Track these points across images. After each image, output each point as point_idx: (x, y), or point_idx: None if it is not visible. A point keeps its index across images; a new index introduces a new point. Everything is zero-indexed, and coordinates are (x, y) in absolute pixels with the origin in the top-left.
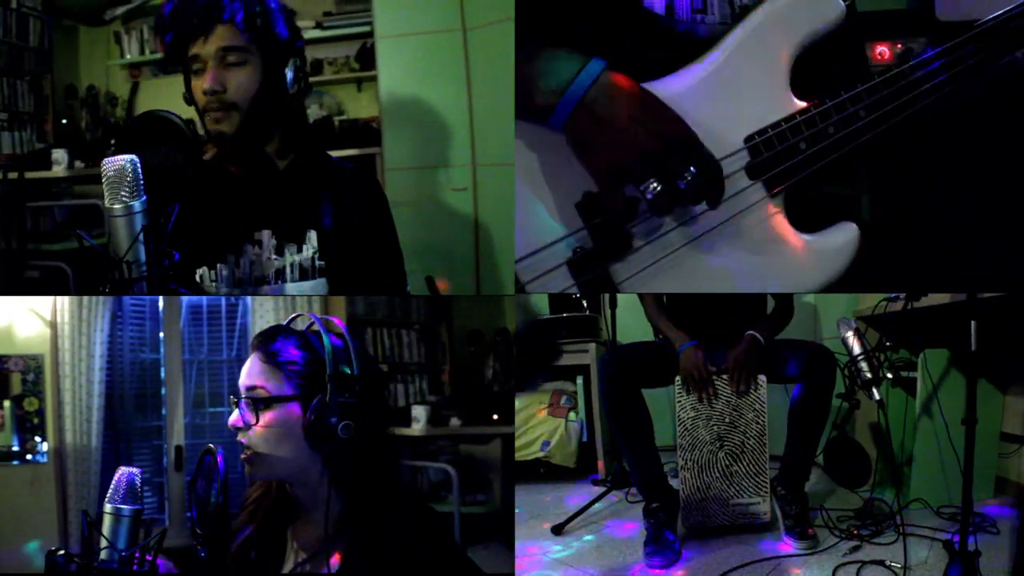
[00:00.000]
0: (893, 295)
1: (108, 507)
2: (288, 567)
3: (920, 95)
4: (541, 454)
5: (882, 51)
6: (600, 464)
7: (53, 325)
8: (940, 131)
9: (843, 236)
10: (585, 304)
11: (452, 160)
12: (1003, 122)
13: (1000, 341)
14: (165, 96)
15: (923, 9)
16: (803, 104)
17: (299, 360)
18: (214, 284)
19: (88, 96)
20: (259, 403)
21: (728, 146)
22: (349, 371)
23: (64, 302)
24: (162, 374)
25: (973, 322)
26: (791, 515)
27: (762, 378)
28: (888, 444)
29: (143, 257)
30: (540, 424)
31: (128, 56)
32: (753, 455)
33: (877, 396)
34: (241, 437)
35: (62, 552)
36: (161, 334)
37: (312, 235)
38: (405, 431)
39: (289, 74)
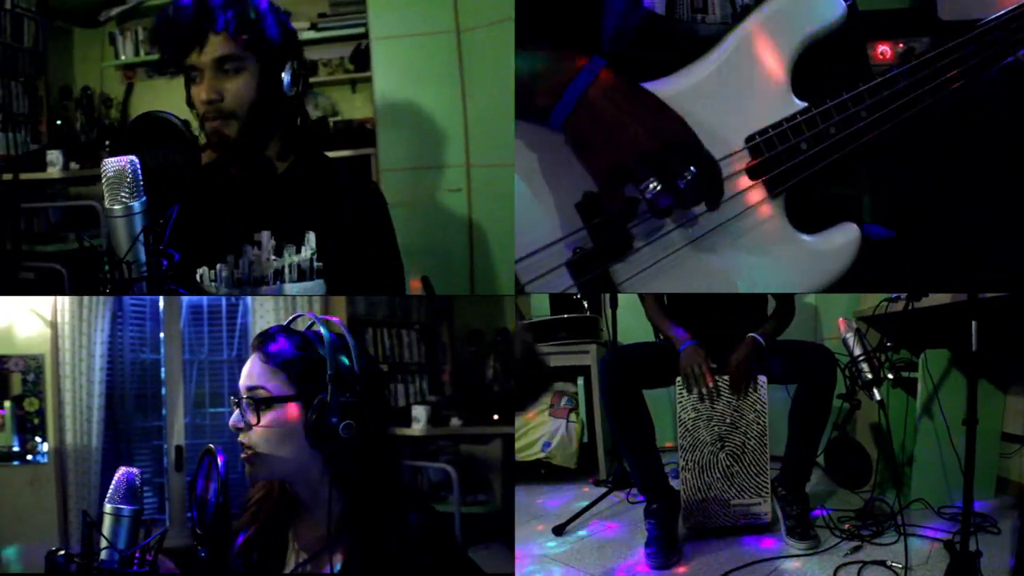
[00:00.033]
0: (894, 295)
1: (108, 507)
2: (289, 568)
3: (922, 95)
4: (542, 455)
5: (884, 50)
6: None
7: (53, 325)
8: (941, 132)
9: (844, 237)
10: (586, 305)
11: (446, 161)
12: (1004, 122)
13: (1001, 341)
14: (160, 97)
15: (925, 8)
16: (804, 104)
17: (300, 360)
18: (213, 284)
19: (83, 97)
20: (260, 403)
21: (729, 146)
22: (349, 371)
23: (64, 302)
24: (162, 374)
25: (974, 322)
26: (792, 516)
27: (763, 379)
28: (889, 444)
29: (143, 257)
30: (541, 425)
31: (123, 57)
32: (754, 456)
33: (878, 396)
34: (242, 438)
35: (62, 552)
36: (161, 334)
37: (310, 236)
38: (405, 431)
39: (286, 77)
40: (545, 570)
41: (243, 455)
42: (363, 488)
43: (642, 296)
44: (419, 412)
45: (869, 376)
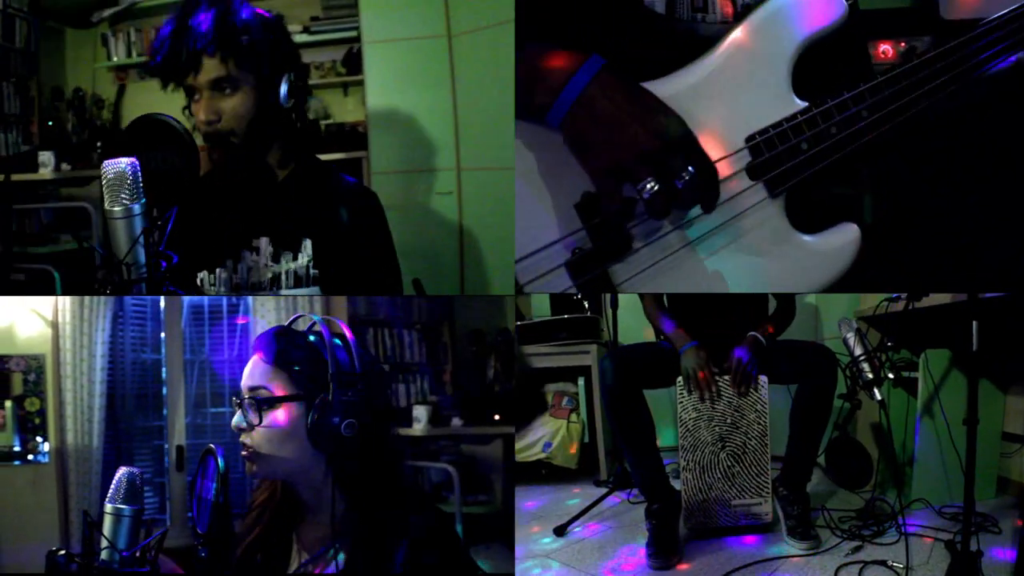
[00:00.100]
0: (894, 295)
1: (109, 507)
2: (292, 568)
3: (923, 95)
4: (543, 455)
5: (885, 49)
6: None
7: (54, 325)
8: (943, 131)
9: (844, 237)
10: (586, 305)
11: (437, 164)
12: (1006, 122)
13: (1001, 341)
14: (152, 99)
15: (927, 7)
16: (804, 104)
17: (301, 360)
18: (213, 288)
19: (75, 98)
20: (262, 404)
21: (729, 146)
22: (351, 370)
23: (65, 302)
24: (163, 374)
25: (975, 322)
26: (793, 516)
27: (763, 379)
28: (890, 444)
29: (142, 259)
30: (542, 425)
31: (115, 58)
32: (755, 456)
33: (878, 396)
34: (244, 438)
35: (63, 552)
36: (162, 334)
37: (307, 244)
38: (406, 431)
39: (283, 88)
40: (545, 570)
41: (245, 455)
42: (366, 488)
43: (642, 296)
44: (420, 412)
45: (870, 376)
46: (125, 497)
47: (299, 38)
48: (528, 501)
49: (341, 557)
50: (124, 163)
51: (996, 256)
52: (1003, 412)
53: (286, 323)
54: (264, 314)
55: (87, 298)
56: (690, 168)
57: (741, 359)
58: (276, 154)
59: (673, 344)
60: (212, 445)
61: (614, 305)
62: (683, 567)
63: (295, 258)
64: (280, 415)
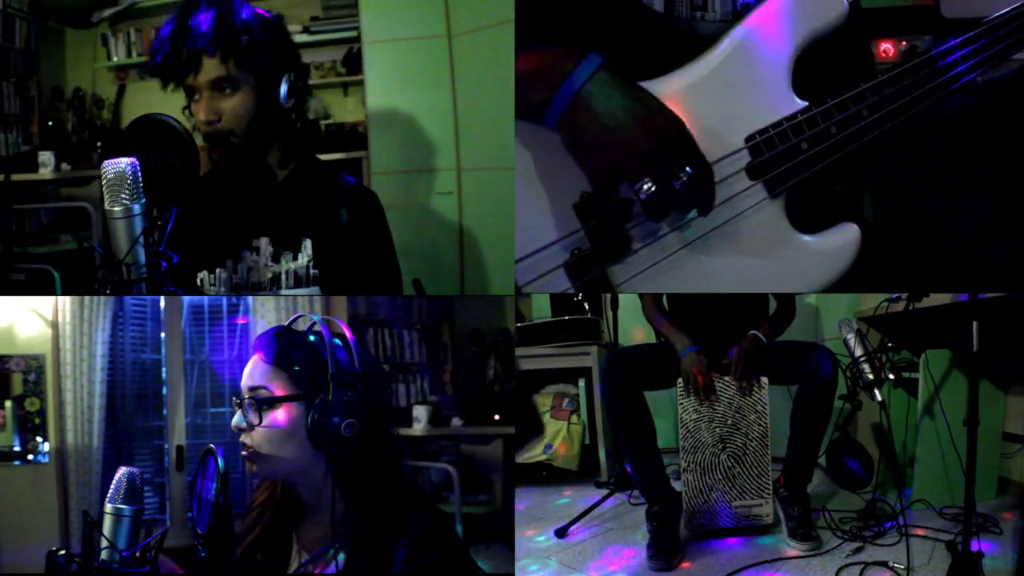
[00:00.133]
0: (895, 296)
1: (108, 507)
2: (292, 568)
3: (924, 94)
4: (543, 457)
5: (886, 48)
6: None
7: (54, 325)
8: (944, 131)
9: (844, 237)
10: (587, 306)
11: (437, 164)
12: (1007, 122)
13: (1002, 341)
14: (152, 99)
15: (927, 5)
16: (805, 103)
17: (301, 360)
18: (213, 288)
19: (74, 98)
20: (262, 404)
21: (728, 146)
22: (351, 370)
23: (65, 302)
24: (163, 374)
25: (975, 322)
26: (794, 517)
27: (764, 380)
28: (890, 445)
29: (142, 259)
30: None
31: (115, 58)
32: (755, 457)
33: (879, 397)
34: (244, 438)
35: (63, 552)
36: (162, 334)
37: (307, 244)
38: (406, 431)
39: (283, 88)
40: (546, 570)
41: (245, 455)
42: (365, 488)
43: (641, 296)
44: (420, 412)
45: (870, 377)
46: (125, 497)
47: (299, 38)
48: (519, 503)
49: (341, 557)
50: (124, 163)
51: (996, 256)
52: (1004, 412)
53: (286, 323)
54: (264, 314)
55: (87, 298)
56: (687, 169)
57: (742, 356)
58: (276, 154)
59: (674, 347)
60: (212, 445)
61: (615, 306)
62: (683, 569)
63: (295, 258)
64: (280, 415)
